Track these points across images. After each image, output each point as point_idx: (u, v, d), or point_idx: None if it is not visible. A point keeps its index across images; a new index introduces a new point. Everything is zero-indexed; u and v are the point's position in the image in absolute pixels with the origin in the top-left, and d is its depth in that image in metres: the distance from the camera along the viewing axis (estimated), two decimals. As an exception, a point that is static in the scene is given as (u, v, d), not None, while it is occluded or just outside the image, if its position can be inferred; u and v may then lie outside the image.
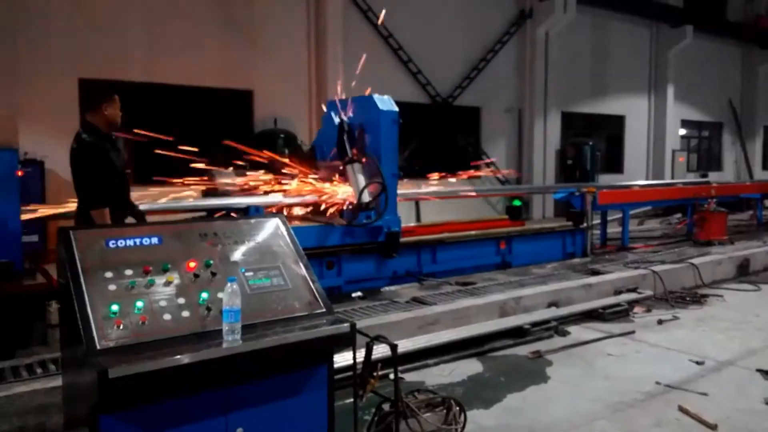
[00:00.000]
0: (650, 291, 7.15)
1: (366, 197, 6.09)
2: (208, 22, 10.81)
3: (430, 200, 12.17)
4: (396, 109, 6.41)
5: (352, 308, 5.78)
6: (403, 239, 7.62)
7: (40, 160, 8.96)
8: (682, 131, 20.82)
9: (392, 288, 6.79)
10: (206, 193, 6.73)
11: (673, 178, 18.45)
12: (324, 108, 6.72)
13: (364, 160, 6.29)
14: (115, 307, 2.29)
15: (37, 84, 9.17)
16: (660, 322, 6.22)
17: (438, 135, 14.24)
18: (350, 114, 6.53)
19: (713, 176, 18.97)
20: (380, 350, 3.32)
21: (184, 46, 10.52)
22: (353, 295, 6.49)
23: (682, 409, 4.04)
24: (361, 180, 6.19)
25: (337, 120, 6.46)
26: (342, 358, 3.40)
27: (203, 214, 6.23)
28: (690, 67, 20.00)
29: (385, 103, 6.39)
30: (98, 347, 2.17)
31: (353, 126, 6.45)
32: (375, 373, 3.01)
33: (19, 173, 4.92)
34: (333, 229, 6.22)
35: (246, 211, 6.00)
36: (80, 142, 4.22)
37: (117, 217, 4.23)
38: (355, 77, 11.63)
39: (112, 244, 2.51)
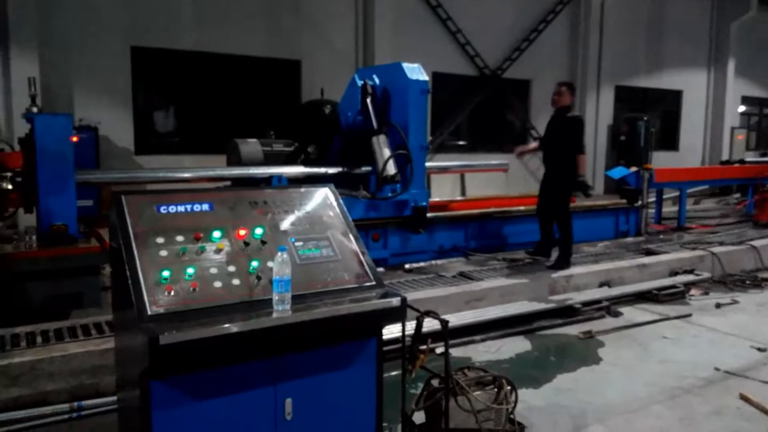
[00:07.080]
0: (708, 273, 6.86)
1: (391, 169, 5.90)
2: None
3: (477, 174, 11.96)
4: (426, 78, 6.10)
5: (397, 281, 5.71)
6: (449, 213, 7.53)
7: (93, 126, 9.13)
8: (742, 108, 19.86)
9: (438, 262, 6.69)
10: (230, 163, 6.64)
11: (731, 156, 17.67)
12: (357, 78, 6.41)
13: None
14: (166, 273, 2.26)
15: (91, 51, 9.30)
16: (718, 305, 5.97)
17: (486, 108, 13.92)
18: (377, 82, 6.27)
19: (774, 156, 18.09)
20: (427, 324, 3.24)
21: (233, 16, 10.50)
22: (406, 266, 6.40)
23: (743, 397, 3.86)
24: (387, 153, 5.96)
25: (360, 83, 6.21)
26: (387, 331, 3.33)
27: (228, 183, 6.16)
28: (753, 40, 18.98)
29: (414, 71, 6.06)
30: (149, 313, 2.14)
31: (378, 90, 6.17)
32: (425, 348, 2.94)
33: (74, 139, 4.97)
34: (356, 201, 5.94)
35: (268, 181, 5.90)
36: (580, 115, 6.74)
37: None
38: (402, 47, 11.52)
39: (163, 209, 2.47)
